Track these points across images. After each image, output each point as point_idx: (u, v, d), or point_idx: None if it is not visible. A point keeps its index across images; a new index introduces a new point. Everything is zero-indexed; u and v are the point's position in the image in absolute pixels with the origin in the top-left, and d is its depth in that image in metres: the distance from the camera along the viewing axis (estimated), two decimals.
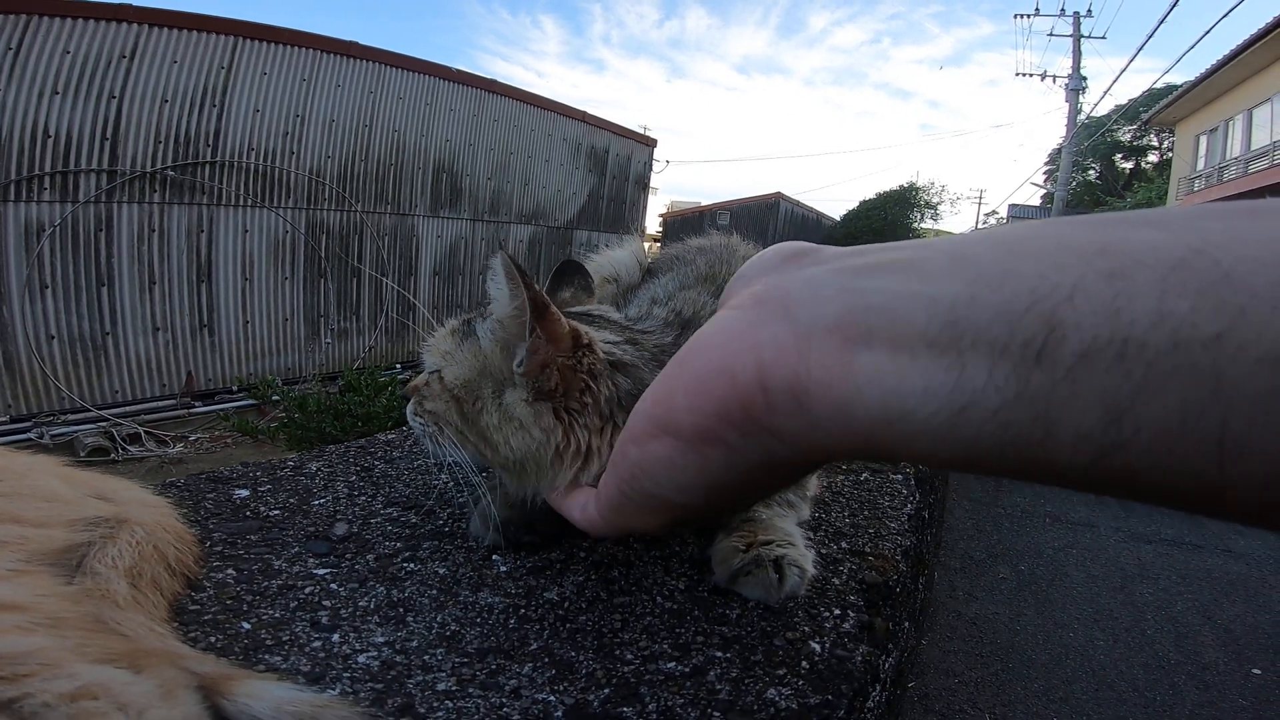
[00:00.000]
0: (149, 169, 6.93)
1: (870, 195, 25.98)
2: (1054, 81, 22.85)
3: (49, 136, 6.34)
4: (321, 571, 0.69)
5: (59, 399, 6.49)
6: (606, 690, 0.55)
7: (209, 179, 7.33)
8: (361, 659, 0.57)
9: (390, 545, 0.75)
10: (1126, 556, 3.49)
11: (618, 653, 0.60)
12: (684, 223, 23.55)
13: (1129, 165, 32.51)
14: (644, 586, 0.70)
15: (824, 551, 0.80)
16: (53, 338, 6.49)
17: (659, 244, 27.80)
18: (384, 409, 4.61)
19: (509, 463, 0.67)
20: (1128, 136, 30.74)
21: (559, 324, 0.66)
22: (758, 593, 0.68)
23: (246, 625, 0.60)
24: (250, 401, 7.11)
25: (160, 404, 7.06)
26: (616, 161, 12.88)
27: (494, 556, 0.73)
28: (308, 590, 0.65)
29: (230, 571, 0.67)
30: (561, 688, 0.55)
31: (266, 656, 0.56)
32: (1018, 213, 34.76)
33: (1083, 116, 22.31)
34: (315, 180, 8.14)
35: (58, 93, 6.32)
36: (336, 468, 0.95)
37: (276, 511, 0.80)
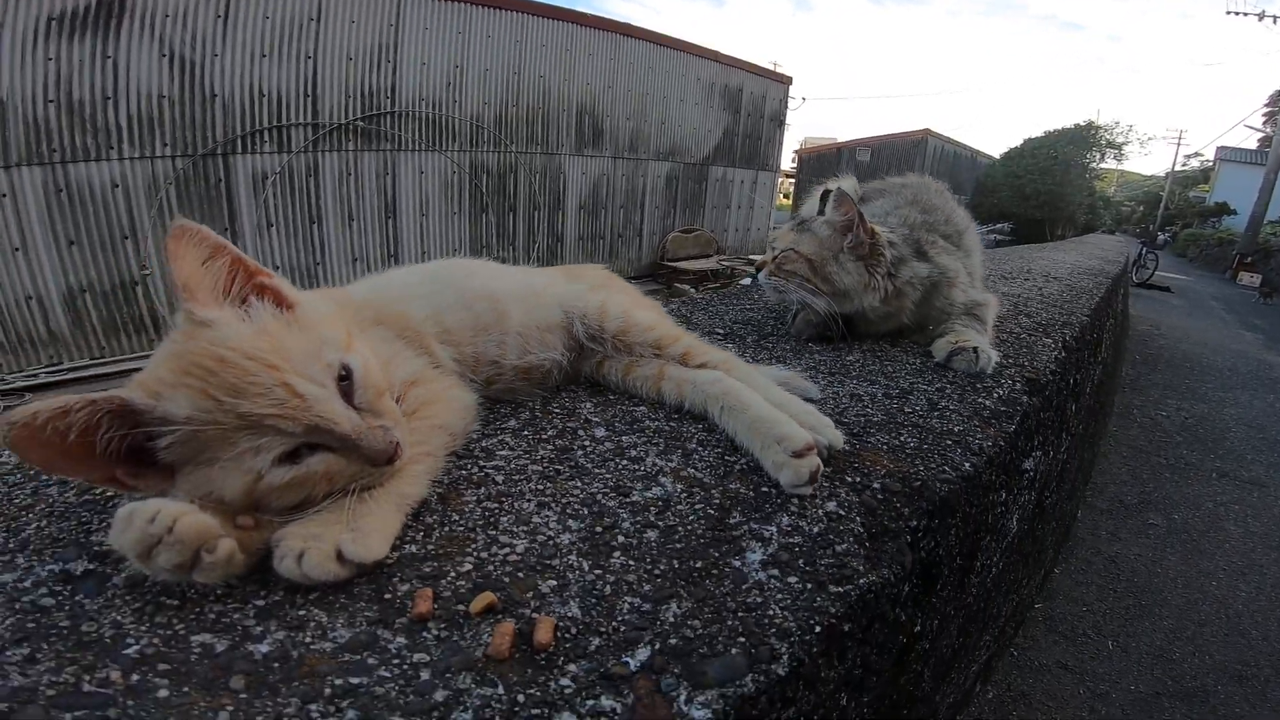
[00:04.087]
0: (343, 121, 7.99)
1: (1037, 134, 23.51)
2: (1275, 22, 19.44)
3: (263, 95, 7.41)
4: (752, 338, 1.37)
5: None
6: (895, 390, 1.17)
7: (390, 127, 8.35)
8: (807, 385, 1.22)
9: (753, 338, 1.46)
10: None
11: (892, 381, 1.25)
12: (820, 159, 22.72)
13: None
14: (896, 360, 1.42)
15: (999, 361, 1.38)
16: (277, 267, 7.74)
17: (793, 180, 26.69)
18: None
19: (838, 292, 1.31)
20: None
21: (867, 223, 1.26)
22: (963, 365, 1.29)
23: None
24: None
25: None
26: (751, 99, 13.05)
27: (810, 344, 1.38)
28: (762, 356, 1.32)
29: None
30: (873, 391, 1.23)
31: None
32: (1227, 155, 29.79)
33: None
34: (475, 125, 9.02)
35: (265, 54, 7.30)
36: (697, 303, 1.71)
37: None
